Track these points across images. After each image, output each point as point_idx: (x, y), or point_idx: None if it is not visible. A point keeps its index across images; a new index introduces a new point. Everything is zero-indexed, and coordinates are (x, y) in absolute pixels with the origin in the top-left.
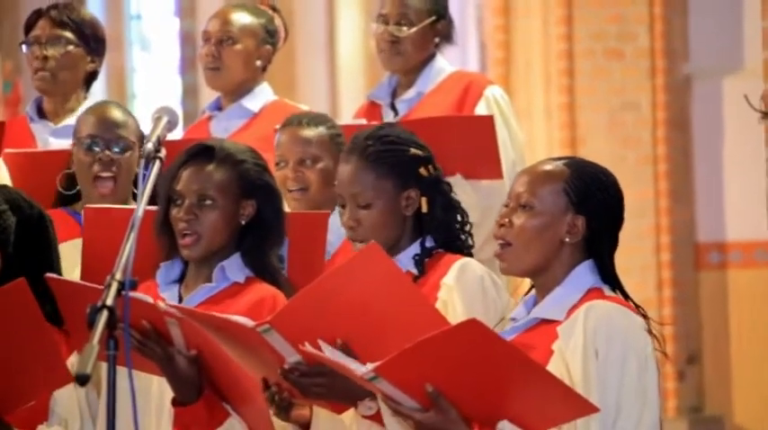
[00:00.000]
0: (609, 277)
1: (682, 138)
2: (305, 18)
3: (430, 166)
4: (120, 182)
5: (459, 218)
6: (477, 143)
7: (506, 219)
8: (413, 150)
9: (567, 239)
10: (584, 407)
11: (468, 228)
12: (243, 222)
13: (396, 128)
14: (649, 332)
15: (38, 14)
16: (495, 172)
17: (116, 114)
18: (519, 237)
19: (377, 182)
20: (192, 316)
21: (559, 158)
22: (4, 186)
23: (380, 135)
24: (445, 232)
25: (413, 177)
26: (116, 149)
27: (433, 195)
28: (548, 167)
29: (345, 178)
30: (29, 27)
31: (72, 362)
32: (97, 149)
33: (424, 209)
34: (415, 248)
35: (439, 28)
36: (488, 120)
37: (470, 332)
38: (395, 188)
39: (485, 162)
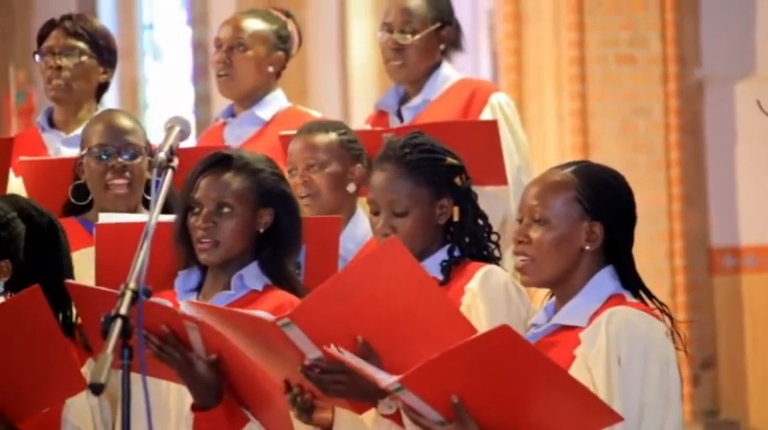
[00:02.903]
0: (630, 279)
1: (694, 143)
2: (317, 26)
3: (463, 176)
4: (133, 187)
5: (486, 228)
6: (481, 148)
7: (523, 235)
8: (449, 159)
9: (588, 247)
10: (609, 417)
11: (495, 238)
12: (261, 230)
13: (426, 135)
14: (673, 331)
15: (51, 25)
16: (500, 178)
17: (123, 122)
18: (539, 251)
19: (414, 190)
20: (211, 312)
21: (567, 165)
22: (14, 195)
23: (417, 143)
24: (473, 241)
25: (447, 186)
26: (126, 156)
27: (465, 204)
28: (556, 178)
29: (381, 185)
30: (42, 37)
31: (86, 370)
32: (108, 158)
33: (456, 218)
34: (441, 255)
35: (444, 35)
36: (492, 125)
37: (501, 339)
38: (430, 196)
39: (489, 168)
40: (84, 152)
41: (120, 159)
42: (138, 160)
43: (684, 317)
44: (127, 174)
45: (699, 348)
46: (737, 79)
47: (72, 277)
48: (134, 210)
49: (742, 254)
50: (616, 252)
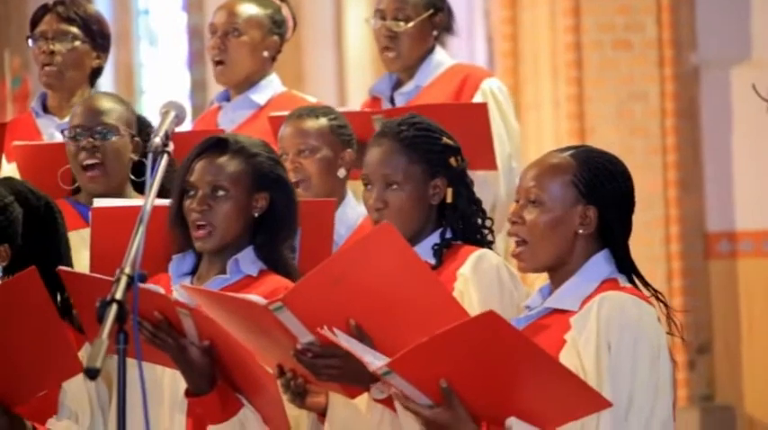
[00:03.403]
0: (624, 265)
1: (690, 128)
2: (313, 10)
3: (459, 157)
4: (108, 168)
5: (479, 211)
6: (470, 132)
7: (518, 216)
8: (445, 139)
9: (581, 231)
10: (597, 403)
11: (488, 223)
12: (256, 215)
13: (423, 117)
14: (668, 317)
15: (44, 9)
16: (490, 162)
17: (100, 103)
18: (532, 233)
19: (408, 166)
20: (203, 296)
21: (566, 149)
22: (10, 178)
23: (414, 122)
24: (466, 224)
25: (442, 166)
26: (98, 136)
27: (459, 187)
28: (554, 160)
29: (376, 159)
30: (35, 22)
31: (83, 354)
32: (81, 138)
33: (449, 199)
34: (434, 238)
35: (437, 21)
36: (482, 108)
37: (487, 324)
38: (424, 175)
39: (479, 152)
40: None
41: (90, 140)
42: (113, 139)
43: (681, 302)
44: (98, 154)
45: (694, 333)
46: (733, 64)
47: (69, 259)
48: (112, 191)
49: (738, 238)
50: (612, 237)
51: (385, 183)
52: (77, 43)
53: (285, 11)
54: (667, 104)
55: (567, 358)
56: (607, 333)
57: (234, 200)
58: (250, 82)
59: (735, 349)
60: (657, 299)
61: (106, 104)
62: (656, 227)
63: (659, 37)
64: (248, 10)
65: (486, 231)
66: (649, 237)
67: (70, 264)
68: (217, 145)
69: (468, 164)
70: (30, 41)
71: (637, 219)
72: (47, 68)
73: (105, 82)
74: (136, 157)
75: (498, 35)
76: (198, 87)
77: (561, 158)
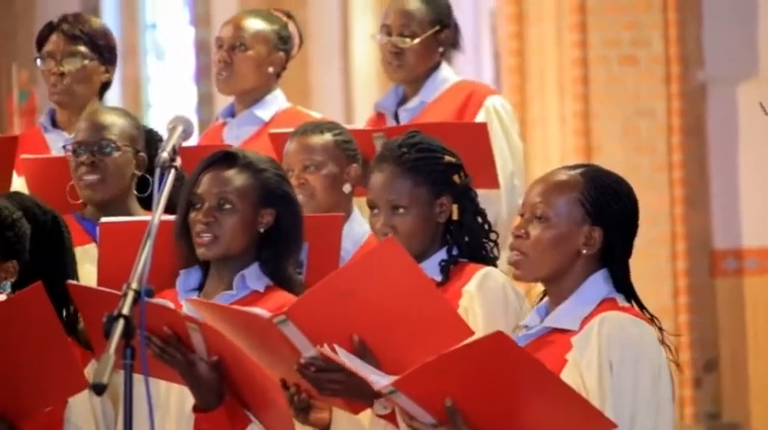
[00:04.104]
0: (623, 286)
1: (697, 144)
2: (319, 26)
3: (462, 173)
4: (107, 183)
5: (485, 226)
6: (471, 150)
7: (522, 230)
8: (447, 158)
9: (584, 251)
10: (601, 423)
11: (493, 237)
12: (261, 230)
13: (423, 135)
14: (662, 342)
15: (50, 28)
16: (491, 180)
17: (102, 118)
18: (535, 249)
19: (413, 189)
20: (208, 309)
21: (574, 167)
22: (18, 193)
23: (414, 142)
24: (472, 240)
25: (446, 184)
26: (98, 152)
27: (464, 202)
28: (563, 177)
29: (380, 185)
30: (41, 41)
31: (89, 371)
32: (81, 154)
33: (455, 216)
34: (441, 255)
35: (443, 37)
36: (482, 128)
37: (496, 344)
38: (429, 195)
39: (480, 170)
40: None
41: (89, 156)
42: (114, 155)
43: (687, 319)
44: (98, 170)
45: (701, 351)
46: (740, 81)
47: (76, 274)
48: (111, 201)
49: (744, 256)
50: (612, 257)
51: (391, 208)
52: (86, 62)
53: (292, 27)
54: (674, 121)
55: (568, 377)
56: (609, 352)
57: (240, 214)
58: (254, 97)
59: (741, 367)
60: (652, 322)
61: (109, 119)
62: (663, 244)
63: (666, 53)
64: (255, 25)
65: (491, 245)
66: (655, 254)
67: (76, 280)
68: (225, 158)
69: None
70: (38, 61)
71: (643, 235)
72: (57, 88)
73: (112, 95)
74: (139, 173)
75: (505, 51)
76: (205, 101)
77: (569, 176)
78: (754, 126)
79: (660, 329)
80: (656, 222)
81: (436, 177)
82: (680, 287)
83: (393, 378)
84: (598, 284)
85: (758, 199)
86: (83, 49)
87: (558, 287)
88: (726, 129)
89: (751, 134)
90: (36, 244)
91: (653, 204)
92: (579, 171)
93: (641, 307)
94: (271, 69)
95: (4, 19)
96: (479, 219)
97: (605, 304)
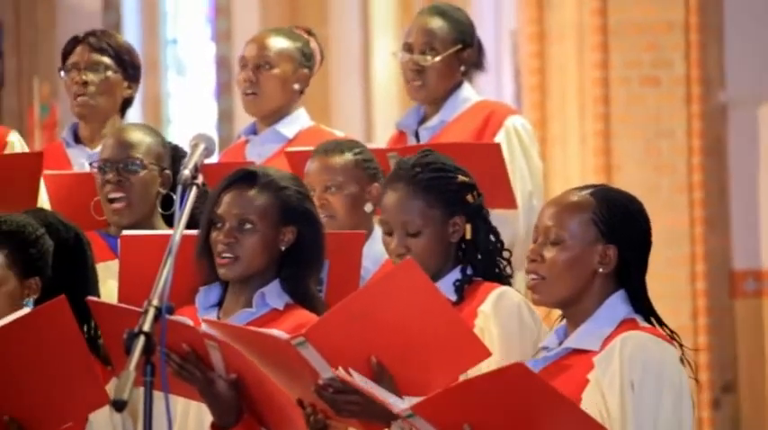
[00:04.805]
0: (642, 305)
1: (717, 165)
2: (340, 43)
3: (475, 193)
4: (132, 202)
5: (498, 245)
6: (486, 171)
7: (537, 254)
8: (460, 177)
9: (601, 270)
10: None
11: (507, 255)
12: (282, 248)
13: (436, 154)
14: (682, 361)
15: (75, 41)
16: (508, 201)
17: (130, 136)
18: (552, 271)
19: (426, 209)
20: (226, 330)
21: (584, 188)
22: (41, 209)
23: (427, 162)
24: (486, 258)
25: (460, 204)
26: (124, 170)
27: (478, 222)
28: (574, 199)
29: (393, 206)
30: (66, 54)
31: (110, 387)
32: (107, 171)
33: (468, 235)
34: (455, 274)
35: (465, 56)
36: (495, 148)
37: (515, 375)
38: (443, 216)
39: (496, 190)
40: None
41: (116, 174)
42: (141, 174)
43: (706, 340)
44: (124, 188)
45: (719, 372)
46: (761, 102)
47: (97, 291)
48: (138, 224)
49: (764, 277)
50: (628, 276)
51: (405, 230)
52: (109, 73)
53: (313, 44)
54: (694, 142)
55: (590, 397)
56: (630, 372)
57: (261, 233)
58: (279, 115)
59: (760, 388)
60: (673, 339)
61: (135, 137)
62: (682, 264)
63: (687, 74)
64: (279, 43)
65: (504, 263)
66: (675, 275)
67: (97, 296)
68: (246, 177)
69: (486, 203)
70: (62, 73)
71: (662, 256)
72: (80, 99)
73: (133, 111)
74: (164, 191)
75: (526, 69)
76: (225, 118)
77: (580, 197)
78: None
79: (681, 346)
80: (675, 243)
81: (449, 197)
82: (699, 308)
83: (412, 401)
84: (617, 305)
85: None
86: (107, 60)
87: (576, 309)
88: (746, 151)
89: None
90: (58, 260)
91: (672, 225)
92: (590, 191)
93: (660, 323)
94: (296, 86)
95: (26, 33)
96: (492, 238)
97: (626, 324)
